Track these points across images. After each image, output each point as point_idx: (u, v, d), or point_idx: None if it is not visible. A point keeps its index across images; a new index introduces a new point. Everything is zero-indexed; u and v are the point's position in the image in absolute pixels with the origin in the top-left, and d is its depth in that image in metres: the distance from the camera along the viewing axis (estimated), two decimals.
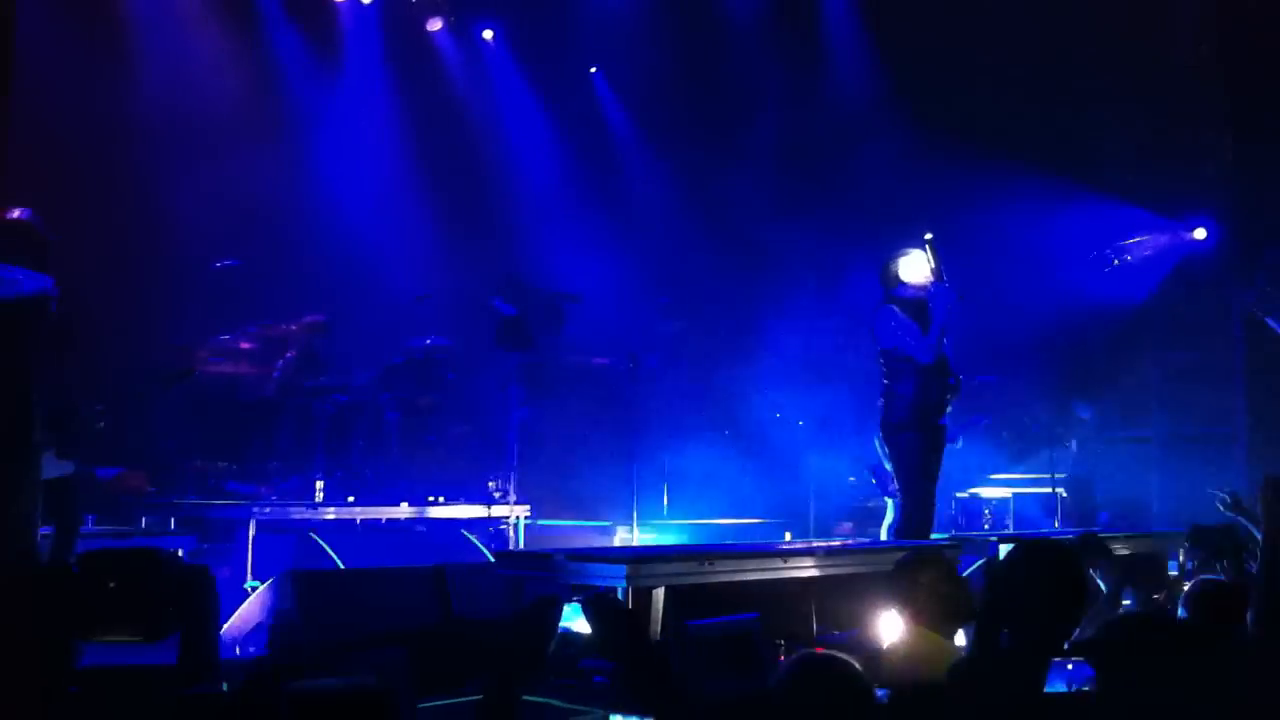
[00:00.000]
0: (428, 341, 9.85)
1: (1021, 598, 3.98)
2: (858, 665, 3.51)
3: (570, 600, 5.75)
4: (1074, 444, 11.35)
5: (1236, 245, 11.32)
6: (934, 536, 7.54)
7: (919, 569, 4.88)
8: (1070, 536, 6.78)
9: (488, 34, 12.61)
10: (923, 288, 7.54)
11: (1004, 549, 6.83)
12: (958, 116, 11.37)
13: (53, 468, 6.92)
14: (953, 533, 8.48)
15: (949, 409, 7.63)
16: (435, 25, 12.39)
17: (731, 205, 12.34)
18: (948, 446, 7.74)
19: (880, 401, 7.66)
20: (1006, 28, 11.18)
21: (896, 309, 7.52)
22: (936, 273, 7.46)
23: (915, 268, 7.58)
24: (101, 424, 7.37)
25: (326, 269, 10.68)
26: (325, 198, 11.16)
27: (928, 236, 7.49)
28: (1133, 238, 11.78)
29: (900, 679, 4.45)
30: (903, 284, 7.59)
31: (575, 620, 5.76)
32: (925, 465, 7.48)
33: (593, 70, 13.07)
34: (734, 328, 12.07)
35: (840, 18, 12.51)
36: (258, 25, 11.33)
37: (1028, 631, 3.99)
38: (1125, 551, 7.27)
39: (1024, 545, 4.13)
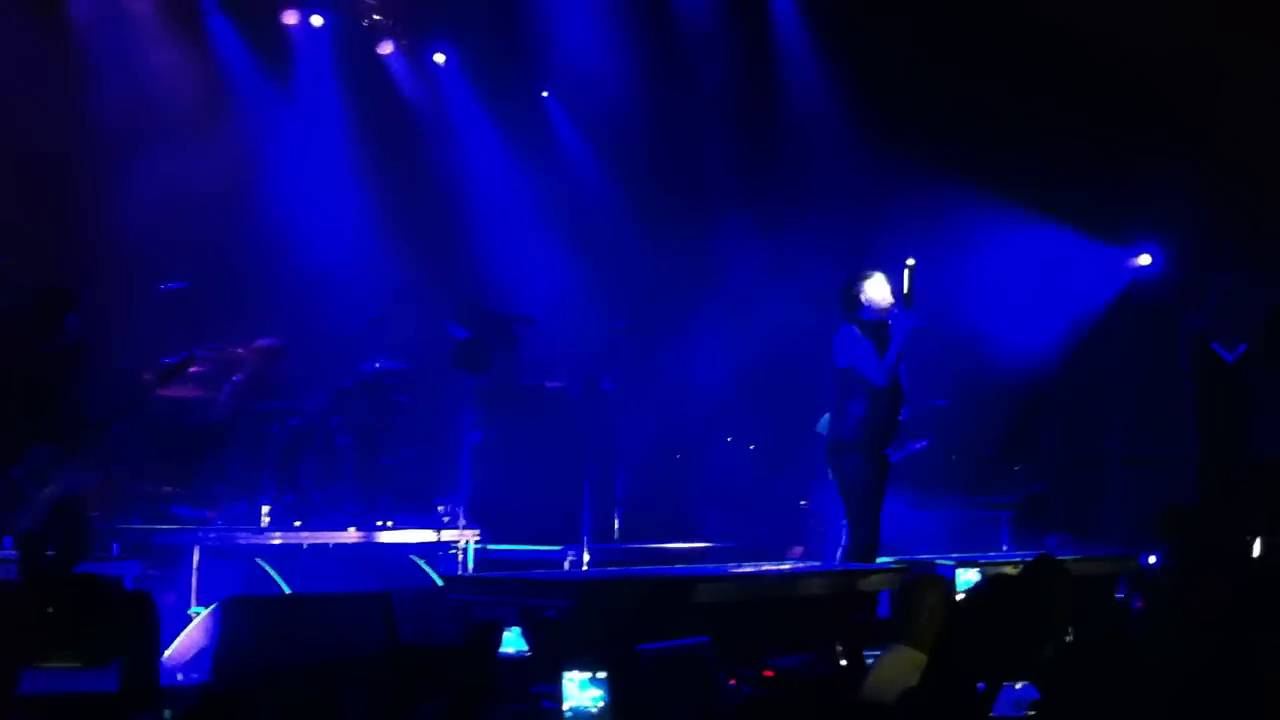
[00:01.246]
0: (379, 365, 9.78)
1: (986, 625, 4.01)
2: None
3: (517, 624, 5.73)
4: (1020, 468, 11.42)
5: (1184, 270, 11.46)
6: (880, 560, 7.57)
7: (923, 591, 4.93)
8: (1024, 559, 6.84)
9: (439, 57, 12.59)
10: (885, 311, 7.61)
11: (961, 573, 6.87)
12: (909, 141, 11.46)
13: (76, 480, 6.89)
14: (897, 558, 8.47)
15: (896, 437, 7.67)
16: (387, 49, 12.36)
17: (687, 225, 12.37)
18: (905, 454, 7.79)
19: (829, 420, 7.69)
20: (956, 50, 11.27)
21: (856, 329, 7.57)
22: (907, 298, 7.53)
23: (878, 290, 7.65)
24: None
25: (278, 291, 10.60)
26: (277, 219, 11.07)
27: (910, 262, 7.57)
28: (1081, 265, 11.91)
29: (884, 697, 4.47)
30: (865, 305, 7.66)
31: (521, 644, 5.73)
32: (870, 488, 7.54)
33: (545, 94, 13.07)
34: (689, 350, 12.08)
35: (795, 36, 12.58)
36: (208, 45, 11.25)
37: (986, 657, 4.02)
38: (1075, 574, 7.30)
39: (991, 578, 4.18)
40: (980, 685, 4.26)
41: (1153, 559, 7.81)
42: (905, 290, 7.55)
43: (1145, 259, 11.84)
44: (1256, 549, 4.67)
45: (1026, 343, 11.72)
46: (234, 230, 10.64)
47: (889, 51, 11.56)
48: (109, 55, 10.44)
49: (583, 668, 4.74)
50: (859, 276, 7.72)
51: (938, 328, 8.09)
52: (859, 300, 7.66)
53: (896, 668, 4.67)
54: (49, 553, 7.05)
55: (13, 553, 7.58)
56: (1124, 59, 10.76)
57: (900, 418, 7.80)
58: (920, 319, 7.57)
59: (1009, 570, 6.87)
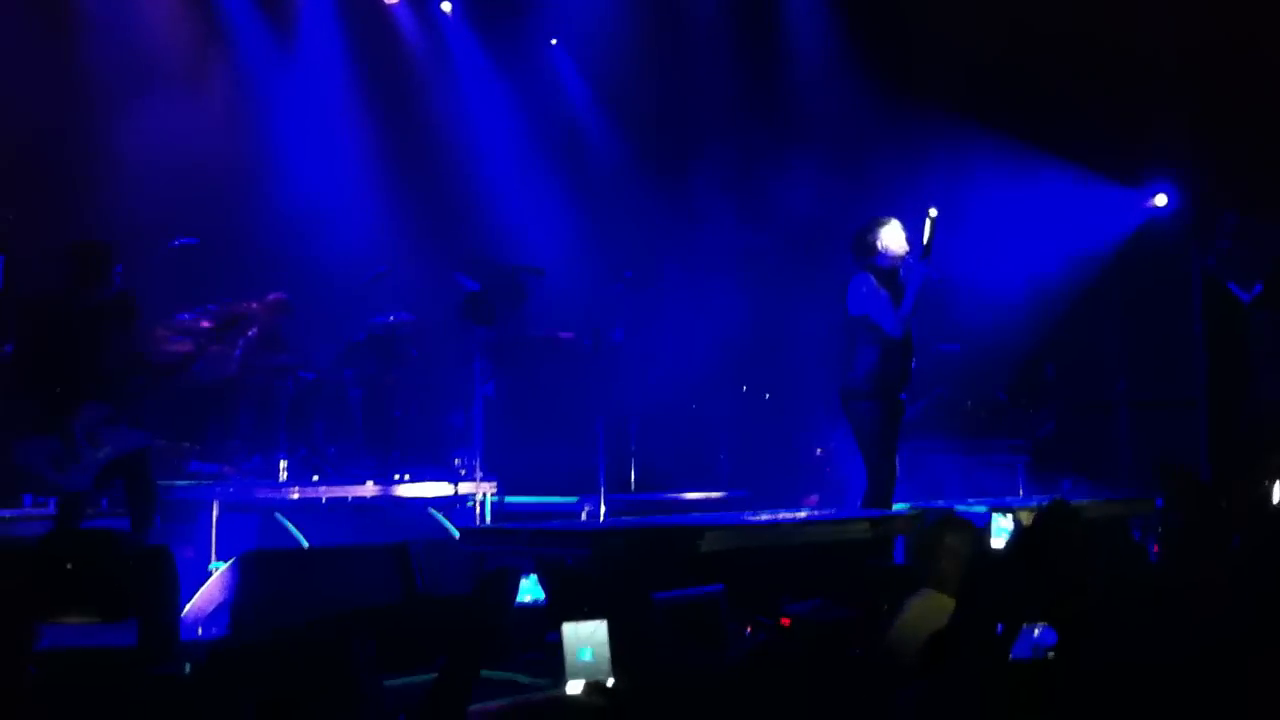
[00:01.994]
0: (390, 318, 9.77)
1: (1004, 570, 4.01)
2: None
3: (533, 573, 5.74)
4: (1037, 410, 11.40)
5: (1196, 210, 11.39)
6: (896, 506, 7.58)
7: (945, 533, 4.91)
8: (1038, 504, 6.82)
9: (446, 6, 12.49)
10: (898, 259, 7.56)
11: (996, 519, 6.86)
12: (916, 82, 11.37)
13: (127, 439, 6.89)
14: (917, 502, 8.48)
15: (909, 383, 7.66)
16: None
17: (694, 175, 12.31)
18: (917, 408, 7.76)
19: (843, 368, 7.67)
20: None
21: (871, 277, 7.53)
22: (926, 249, 7.47)
23: (894, 237, 7.59)
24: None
25: (285, 245, 10.57)
26: (283, 173, 11.03)
27: (932, 212, 7.48)
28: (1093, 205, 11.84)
29: (909, 642, 4.48)
30: (880, 253, 7.59)
31: (539, 593, 5.75)
32: (884, 434, 7.55)
33: (553, 42, 12.97)
34: (699, 301, 12.05)
35: None
36: (212, 4, 11.17)
37: (1005, 601, 4.01)
38: (1089, 517, 7.30)
39: (1043, 515, 4.15)
40: (999, 628, 4.26)
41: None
42: (925, 240, 7.49)
43: (1161, 199, 11.76)
44: (1277, 494, 4.64)
45: (1037, 285, 11.68)
46: (239, 185, 10.61)
47: None
48: (107, 10, 10.36)
49: (585, 618, 4.74)
50: (876, 222, 7.65)
51: (951, 278, 8.01)
52: (875, 247, 7.60)
53: (924, 613, 4.66)
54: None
55: (37, 510, 7.66)
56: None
57: (911, 366, 7.76)
58: (935, 270, 7.52)
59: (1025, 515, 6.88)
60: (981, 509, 7.22)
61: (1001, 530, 6.47)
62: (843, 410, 7.80)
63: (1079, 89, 11.21)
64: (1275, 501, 4.66)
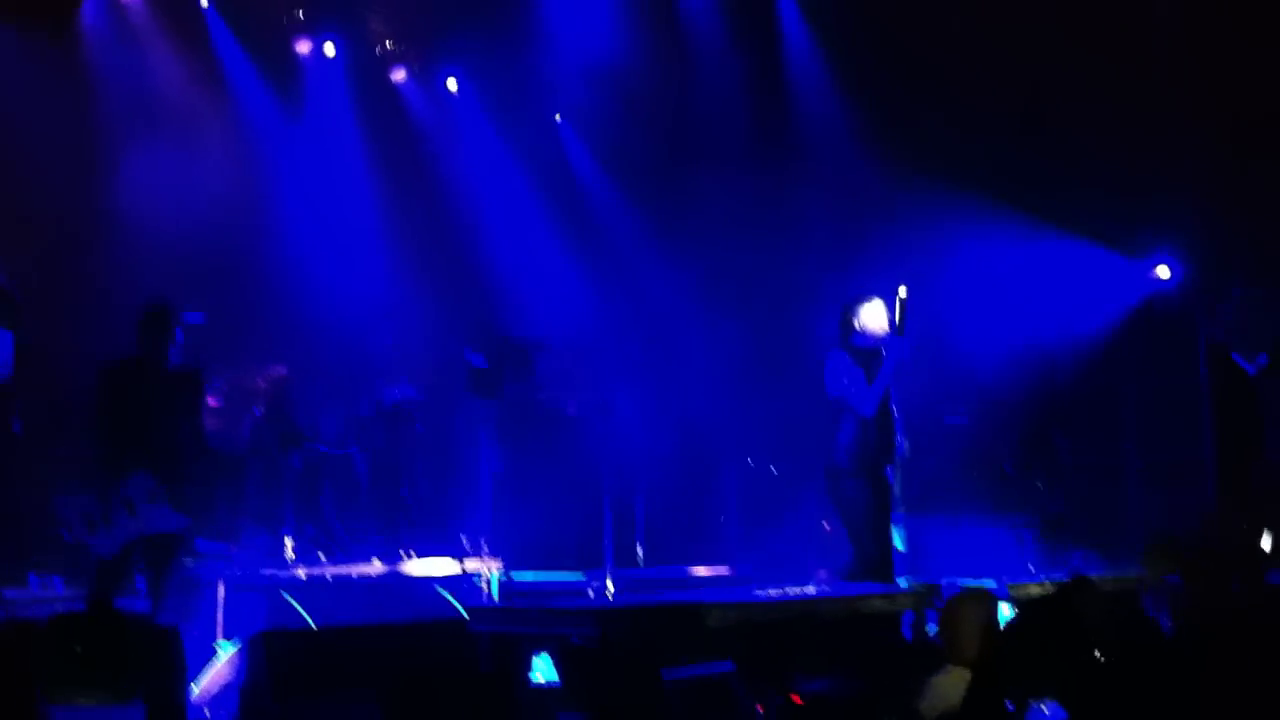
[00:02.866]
0: (397, 393, 9.79)
1: (1021, 645, 4.00)
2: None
3: (543, 652, 5.71)
4: (1041, 483, 11.36)
5: (1200, 281, 11.43)
6: (898, 581, 7.57)
7: (966, 609, 4.90)
8: (1058, 580, 6.81)
9: (452, 83, 12.64)
10: (879, 338, 7.63)
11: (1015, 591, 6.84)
12: (925, 157, 11.45)
13: (165, 519, 6.84)
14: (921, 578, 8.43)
15: (893, 459, 7.72)
16: (399, 76, 12.42)
17: (702, 245, 12.37)
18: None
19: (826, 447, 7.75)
20: (971, 64, 11.28)
21: (847, 356, 7.62)
22: (899, 326, 7.54)
23: (875, 317, 7.66)
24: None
25: (293, 319, 10.60)
26: (292, 247, 11.10)
27: (901, 293, 7.57)
28: (1097, 278, 11.88)
29: (935, 714, 4.46)
30: (859, 332, 7.68)
31: (549, 672, 5.72)
32: (868, 511, 7.61)
33: (557, 118, 13.11)
34: (707, 371, 12.06)
35: (804, 51, 12.58)
36: (222, 75, 11.30)
37: (1020, 677, 4.00)
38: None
39: (1029, 604, 4.16)
40: (1009, 705, 4.25)
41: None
42: (897, 319, 7.57)
43: (1164, 271, 11.82)
44: (1266, 543, 4.67)
45: (1043, 357, 11.70)
46: (248, 259, 10.67)
47: (898, 59, 11.57)
48: (122, 85, 10.50)
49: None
50: (857, 300, 7.72)
51: (929, 353, 8.07)
52: (853, 325, 7.68)
53: (947, 689, 4.65)
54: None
55: (43, 592, 7.62)
56: (1139, 66, 10.78)
57: (897, 440, 7.80)
58: (907, 350, 7.58)
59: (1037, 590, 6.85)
60: (990, 584, 7.20)
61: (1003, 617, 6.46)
62: (826, 488, 7.87)
63: (1083, 161, 11.29)
64: (1266, 550, 4.70)
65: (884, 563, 7.62)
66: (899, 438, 7.79)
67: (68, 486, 6.92)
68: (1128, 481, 11.83)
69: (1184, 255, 11.61)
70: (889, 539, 7.70)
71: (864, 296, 7.72)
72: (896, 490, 8.12)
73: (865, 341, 7.64)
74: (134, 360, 7.06)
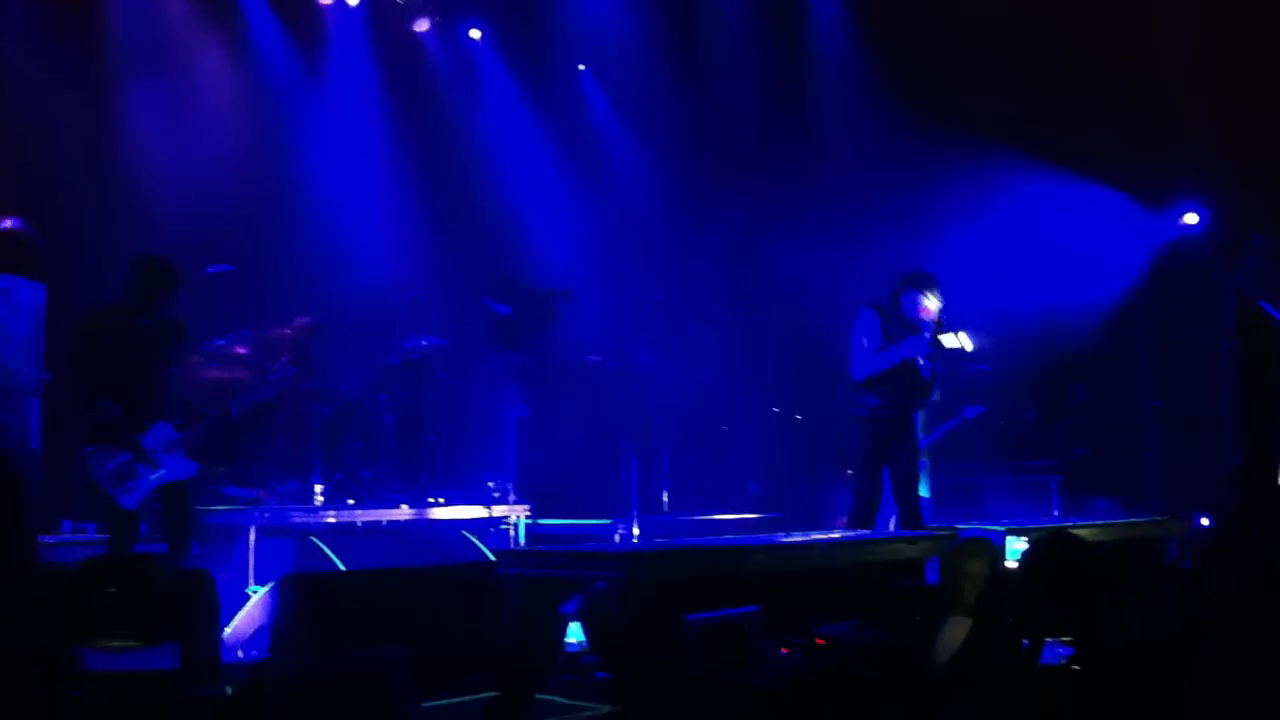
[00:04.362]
0: (422, 342, 9.84)
1: (1037, 588, 4.05)
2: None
3: (571, 595, 5.77)
4: (1068, 430, 11.37)
5: (1226, 229, 11.35)
6: (930, 526, 7.61)
7: (965, 556, 4.95)
8: (1075, 524, 6.84)
9: (475, 33, 12.60)
10: (914, 319, 7.69)
11: (1010, 540, 6.89)
12: (945, 106, 11.39)
13: (182, 466, 6.95)
14: (949, 523, 8.49)
15: (908, 408, 7.80)
16: (423, 26, 12.38)
17: (723, 198, 12.36)
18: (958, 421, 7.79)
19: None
20: (991, 15, 11.18)
21: (877, 317, 7.71)
22: (934, 334, 7.61)
23: (925, 304, 7.69)
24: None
25: (317, 271, 10.66)
26: (315, 199, 11.14)
27: (969, 345, 7.69)
28: (1123, 225, 11.83)
29: (945, 663, 4.51)
30: (906, 303, 7.71)
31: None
32: (871, 456, 7.76)
33: (580, 68, 13.06)
34: (729, 322, 12.08)
35: (827, 8, 12.51)
36: (244, 26, 11.30)
37: (1035, 618, 4.05)
38: (1115, 539, 7.33)
39: (1043, 540, 4.20)
40: (1024, 643, 4.29)
41: (1205, 520, 7.79)
42: (945, 342, 7.65)
43: (1192, 218, 11.74)
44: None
45: (1067, 304, 11.67)
46: (272, 211, 10.71)
47: (919, 11, 11.48)
48: (142, 39, 10.50)
49: None
50: (920, 279, 7.73)
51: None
52: (905, 290, 7.73)
53: (955, 636, 4.71)
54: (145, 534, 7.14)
55: (77, 535, 7.72)
56: (1164, 12, 10.67)
57: (931, 397, 7.96)
58: (926, 350, 7.66)
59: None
60: (999, 529, 7.26)
61: (1015, 553, 6.51)
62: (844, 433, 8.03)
63: (1108, 109, 11.20)
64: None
65: (868, 508, 7.80)
66: (932, 388, 7.89)
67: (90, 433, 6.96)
68: (1150, 430, 11.81)
69: (1211, 202, 11.53)
70: (874, 489, 7.81)
71: (927, 280, 7.73)
72: (921, 440, 8.16)
73: (909, 312, 7.70)
74: (123, 309, 7.09)
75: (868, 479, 7.81)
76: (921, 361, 7.73)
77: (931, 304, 7.67)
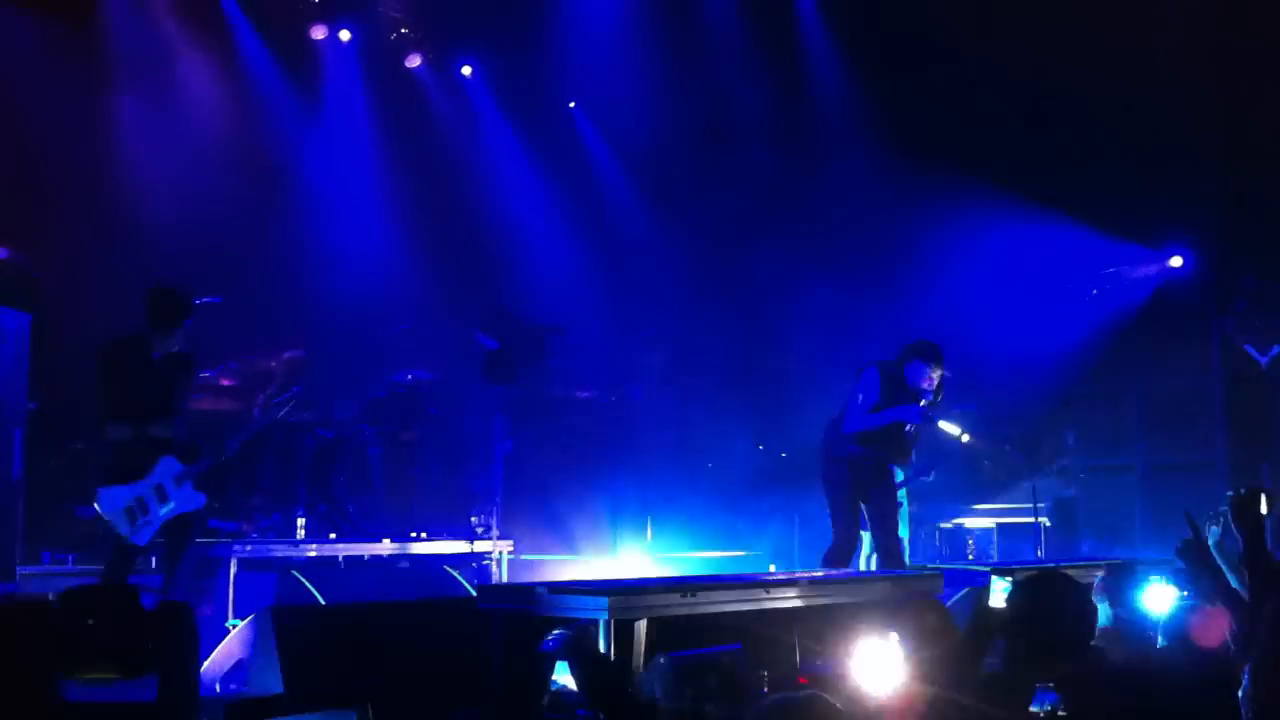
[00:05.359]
0: (410, 376, 9.84)
1: (1029, 627, 4.03)
2: (838, 706, 3.51)
3: (554, 632, 5.74)
4: (1055, 472, 11.38)
5: (1214, 273, 11.41)
6: (913, 565, 7.63)
7: (922, 613, 4.95)
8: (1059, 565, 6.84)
9: (466, 70, 12.68)
10: (915, 386, 7.91)
11: (995, 580, 6.90)
12: (939, 146, 11.45)
13: (191, 498, 6.92)
14: (935, 563, 8.51)
15: (887, 461, 8.06)
16: (414, 62, 12.46)
17: (713, 234, 12.39)
18: (920, 480, 8.14)
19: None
20: (988, 56, 11.27)
21: (879, 377, 7.96)
22: (930, 406, 7.89)
23: (928, 375, 7.91)
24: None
25: (308, 303, 10.67)
26: (306, 231, 11.17)
27: (966, 437, 8.33)
28: (1109, 268, 11.87)
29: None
30: (912, 371, 7.92)
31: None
32: (850, 495, 7.97)
33: (571, 105, 13.13)
34: (716, 359, 12.08)
35: (820, 41, 12.60)
36: (238, 61, 11.36)
37: (1024, 658, 4.03)
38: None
39: (1033, 578, 4.19)
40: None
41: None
42: (942, 426, 8.14)
43: (1177, 261, 11.79)
44: (1263, 506, 4.71)
45: (1054, 346, 11.70)
46: (263, 243, 10.72)
47: (913, 54, 11.57)
48: (138, 72, 10.55)
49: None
50: (931, 353, 7.93)
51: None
52: (910, 359, 7.93)
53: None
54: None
55: (56, 566, 7.68)
56: (1154, 59, 10.75)
57: (909, 459, 8.19)
58: (919, 419, 7.90)
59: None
60: (984, 570, 7.29)
61: (1002, 592, 6.52)
62: (822, 470, 8.20)
63: (1096, 152, 11.27)
64: (1263, 511, 4.76)
65: (848, 546, 7.98)
66: (910, 452, 8.15)
67: (88, 470, 6.94)
68: (1137, 471, 11.82)
69: (1198, 245, 11.60)
70: (853, 529, 8.00)
71: (933, 351, 7.95)
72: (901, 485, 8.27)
73: (908, 376, 7.91)
74: (136, 340, 7.10)
75: (846, 517, 7.97)
76: (909, 427, 7.97)
77: (934, 375, 7.88)
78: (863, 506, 8.05)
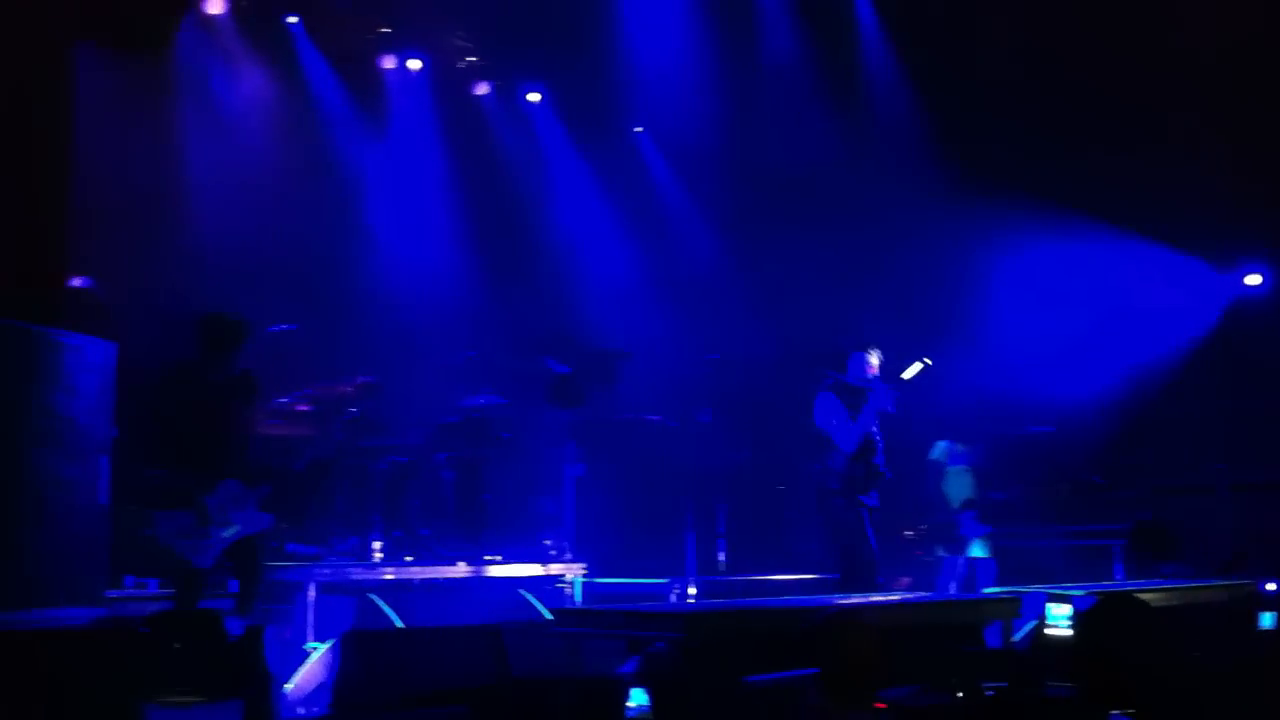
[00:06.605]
0: (482, 401, 9.91)
1: (1096, 653, 3.97)
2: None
3: (630, 656, 5.75)
4: (1133, 493, 11.21)
5: None
6: (989, 590, 7.57)
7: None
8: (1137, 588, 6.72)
9: (534, 96, 12.79)
10: (863, 379, 8.38)
11: (1051, 607, 6.81)
12: (1008, 167, 11.37)
13: (254, 520, 7.01)
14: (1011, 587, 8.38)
15: (874, 489, 8.38)
16: (482, 89, 12.60)
17: (778, 258, 12.36)
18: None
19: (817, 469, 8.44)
20: (1056, 74, 11.18)
21: (835, 398, 8.35)
22: (902, 380, 8.35)
23: (868, 362, 8.44)
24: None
25: (379, 330, 10.79)
26: (377, 259, 11.30)
27: (927, 360, 8.45)
28: (1185, 286, 11.73)
29: None
30: (851, 365, 8.44)
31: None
32: (852, 527, 8.28)
33: (638, 130, 13.19)
34: (785, 381, 12.03)
35: (883, 67, 12.56)
36: (308, 91, 11.53)
37: (1096, 683, 3.97)
38: (1182, 604, 7.21)
39: (1098, 606, 4.12)
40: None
41: (1271, 585, 7.64)
42: (908, 375, 8.39)
43: (1255, 279, 11.62)
44: None
45: (1132, 366, 11.56)
46: (337, 270, 10.87)
47: (981, 70, 11.49)
48: (210, 102, 10.74)
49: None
50: (859, 345, 8.49)
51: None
52: (852, 362, 8.44)
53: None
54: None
55: (138, 591, 7.79)
56: (1228, 73, 10.61)
57: (879, 470, 8.42)
58: (892, 404, 8.28)
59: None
60: (1039, 591, 7.19)
61: (1056, 618, 6.48)
62: (819, 510, 8.50)
63: (1173, 169, 11.13)
64: None
65: (869, 574, 8.24)
66: (883, 465, 8.43)
67: (157, 497, 7.02)
68: (1218, 494, 11.61)
69: (1275, 262, 11.41)
70: (872, 554, 8.29)
71: (867, 344, 8.52)
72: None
73: (856, 381, 8.35)
74: (190, 365, 7.18)
75: (857, 550, 8.25)
76: (876, 437, 8.27)
77: (873, 359, 8.43)
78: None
